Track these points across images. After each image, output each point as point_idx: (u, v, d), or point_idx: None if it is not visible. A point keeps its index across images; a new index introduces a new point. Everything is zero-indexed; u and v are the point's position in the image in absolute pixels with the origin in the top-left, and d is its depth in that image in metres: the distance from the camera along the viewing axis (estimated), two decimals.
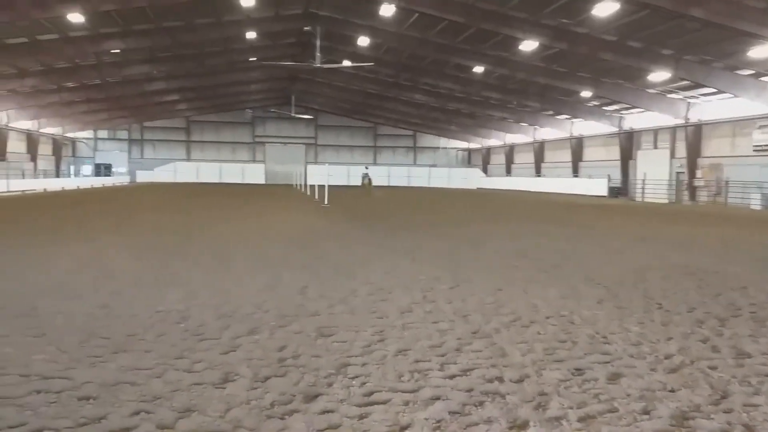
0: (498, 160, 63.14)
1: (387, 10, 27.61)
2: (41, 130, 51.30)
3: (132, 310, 6.53)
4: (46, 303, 6.76)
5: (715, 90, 30.68)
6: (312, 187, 36.46)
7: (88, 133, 63.32)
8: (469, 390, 4.26)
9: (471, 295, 7.59)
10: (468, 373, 4.61)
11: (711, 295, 7.82)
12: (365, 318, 6.35)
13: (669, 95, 34.55)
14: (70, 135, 60.13)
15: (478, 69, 35.67)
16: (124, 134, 65.56)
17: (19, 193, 33.55)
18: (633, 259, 11.20)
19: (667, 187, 36.84)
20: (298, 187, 47.46)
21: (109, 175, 59.09)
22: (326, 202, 26.33)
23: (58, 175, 54.56)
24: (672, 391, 4.31)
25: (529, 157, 55.77)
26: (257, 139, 67.69)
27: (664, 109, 35.40)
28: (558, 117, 47.56)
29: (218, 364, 4.73)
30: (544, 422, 3.73)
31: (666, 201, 35.98)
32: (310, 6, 30.69)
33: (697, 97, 33.69)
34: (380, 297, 7.42)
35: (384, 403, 4.00)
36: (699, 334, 5.86)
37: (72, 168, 60.76)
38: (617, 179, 42.30)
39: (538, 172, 53.95)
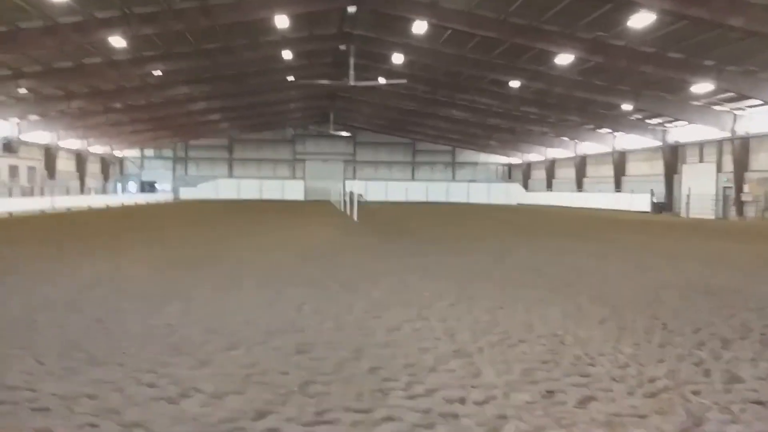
0: (539, 175, 62.16)
1: (419, 28, 27.69)
2: (90, 149, 53.39)
3: (125, 324, 6.65)
4: (45, 316, 6.96)
5: (761, 102, 29.46)
6: (348, 203, 36.51)
7: (135, 152, 65.57)
8: (426, 411, 4.14)
9: (468, 313, 7.42)
10: (432, 394, 4.49)
11: (724, 315, 7.42)
12: (350, 335, 6.28)
13: (714, 107, 33.35)
14: (118, 154, 62.36)
15: (515, 84, 35.28)
16: (169, 152, 67.57)
17: (64, 210, 34.90)
18: (655, 276, 10.77)
19: (713, 203, 35.45)
20: (336, 204, 47.84)
21: (152, 193, 60.87)
22: (356, 218, 26.38)
23: (105, 193, 56.60)
24: (642, 417, 4.08)
25: (570, 172, 54.70)
26: (297, 157, 68.70)
27: (709, 121, 34.18)
28: (599, 131, 46.53)
29: (183, 379, 4.74)
30: None
31: (712, 217, 34.62)
32: (343, 26, 31.08)
33: (744, 109, 32.41)
34: (374, 314, 7.34)
35: (331, 422, 3.92)
36: (695, 357, 5.55)
37: (119, 185, 62.92)
38: (661, 194, 40.98)
39: (579, 187, 52.82)
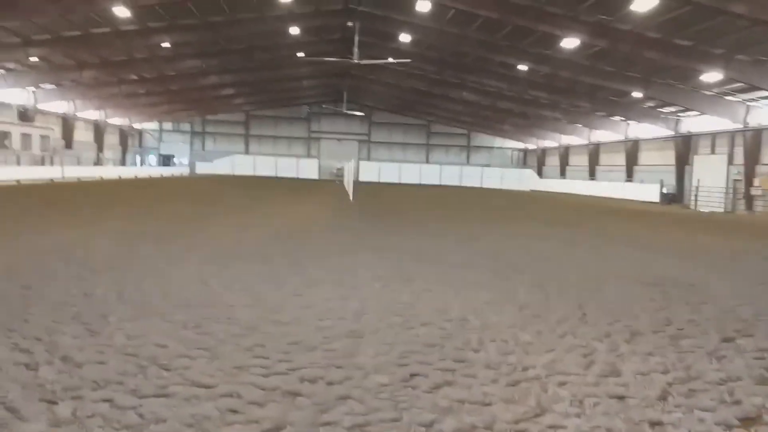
0: (553, 161, 61.34)
1: (423, 6, 27.32)
2: (108, 121, 53.97)
3: (57, 293, 6.74)
4: None
5: None
6: (355, 183, 36.42)
7: (153, 125, 66.13)
8: (273, 389, 4.15)
9: (392, 294, 7.41)
10: (292, 372, 4.50)
11: (653, 309, 7.27)
12: (255, 312, 6.30)
13: (726, 97, 32.41)
14: (137, 126, 62.95)
15: (522, 67, 34.73)
16: (187, 126, 67.98)
17: (74, 180, 35.48)
18: (612, 267, 10.59)
19: (723, 195, 34.65)
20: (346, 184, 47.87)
21: (169, 166, 61.47)
22: (351, 199, 26.39)
23: (123, 164, 57.28)
24: (486, 404, 4.04)
25: (583, 160, 53.85)
26: (312, 135, 68.65)
27: (721, 112, 33.25)
28: (612, 119, 45.62)
29: (64, 346, 4.82)
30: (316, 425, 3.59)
31: (721, 210, 33.87)
32: (349, 2, 30.79)
33: (757, 100, 31.45)
34: (299, 292, 7.35)
35: (167, 396, 3.94)
36: (588, 348, 5.46)
37: (138, 158, 63.62)
38: (672, 185, 40.17)
39: (592, 175, 52.01)
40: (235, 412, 3.79)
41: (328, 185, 46.55)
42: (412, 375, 4.55)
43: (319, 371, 4.54)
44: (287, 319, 6.06)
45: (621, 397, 4.27)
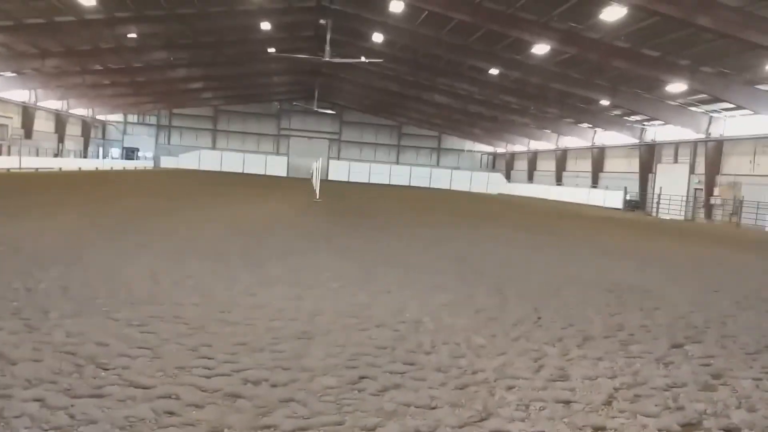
0: (521, 166, 62.10)
1: (396, 6, 27.31)
2: (71, 111, 52.59)
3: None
4: None
5: (736, 105, 29.36)
6: (325, 182, 36.13)
7: (118, 117, 64.72)
8: (216, 390, 4.01)
9: (349, 296, 7.30)
10: (236, 373, 4.36)
11: (608, 313, 7.34)
12: (204, 311, 6.13)
13: (690, 108, 33.26)
14: (101, 117, 61.52)
15: (494, 71, 35.05)
16: (153, 119, 66.75)
17: (31, 170, 34.47)
18: (572, 271, 10.69)
19: (684, 204, 35.50)
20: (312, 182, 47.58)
21: (133, 159, 60.24)
22: (317, 197, 26.20)
23: (85, 156, 55.88)
24: (432, 408, 3.98)
25: (551, 165, 54.65)
26: (282, 132, 68.12)
27: (684, 122, 34.10)
28: (580, 125, 46.42)
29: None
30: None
31: (682, 218, 34.70)
32: None
33: (719, 112, 32.33)
34: (252, 291, 7.19)
35: (102, 396, 3.78)
36: (540, 352, 5.45)
37: (101, 150, 62.21)
38: (635, 192, 41.02)
39: (559, 181, 52.80)
40: (171, 414, 3.65)
41: (296, 183, 46.21)
42: (361, 377, 4.46)
43: (265, 373, 4.41)
44: (237, 318, 5.91)
45: (567, 402, 4.26)
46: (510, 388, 4.47)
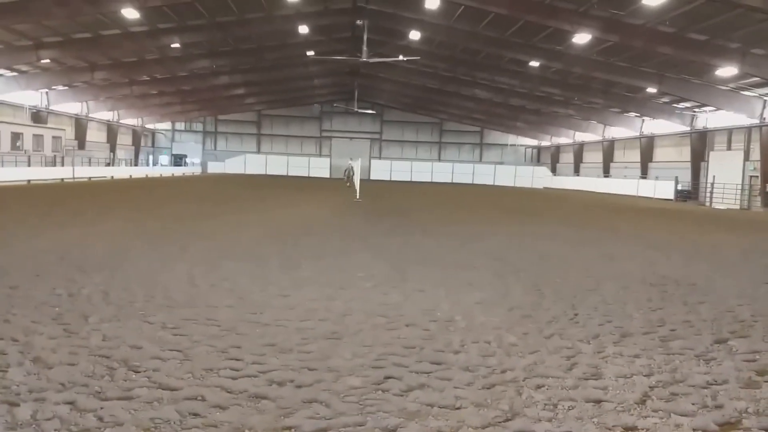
0: (567, 158, 60.74)
1: (432, 3, 27.11)
2: (121, 121, 54.41)
3: (43, 294, 6.74)
4: None
5: None
6: (366, 182, 36.20)
7: (166, 125, 66.60)
8: (242, 391, 4.06)
9: (381, 295, 7.29)
10: (262, 375, 4.41)
11: (650, 309, 7.09)
12: (238, 313, 6.22)
13: (742, 92, 31.81)
14: (150, 126, 63.42)
15: (534, 63, 34.40)
16: (199, 126, 68.39)
17: (85, 179, 35.85)
18: (614, 266, 10.38)
19: (740, 192, 34.02)
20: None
21: (181, 166, 61.83)
22: (357, 197, 26.29)
23: (136, 164, 57.69)
24: (456, 408, 3.92)
25: (598, 156, 53.27)
26: (324, 134, 68.69)
27: (737, 107, 32.65)
28: (627, 115, 45.05)
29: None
30: None
31: (737, 207, 33.27)
32: (357, 0, 30.70)
33: None
34: (286, 293, 7.26)
35: (130, 399, 3.88)
36: (573, 350, 5.31)
37: (150, 158, 64.09)
38: (687, 182, 39.56)
39: (606, 173, 51.42)
40: (196, 415, 3.71)
41: (338, 184, 46.48)
42: (386, 377, 4.44)
43: (291, 374, 4.44)
44: (268, 319, 5.97)
45: (598, 401, 4.13)
46: (539, 387, 4.36)
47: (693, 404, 4.10)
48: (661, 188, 40.52)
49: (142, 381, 4.20)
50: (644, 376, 4.65)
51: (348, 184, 30.08)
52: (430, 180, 63.27)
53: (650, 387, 4.41)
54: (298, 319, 6.04)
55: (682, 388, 4.40)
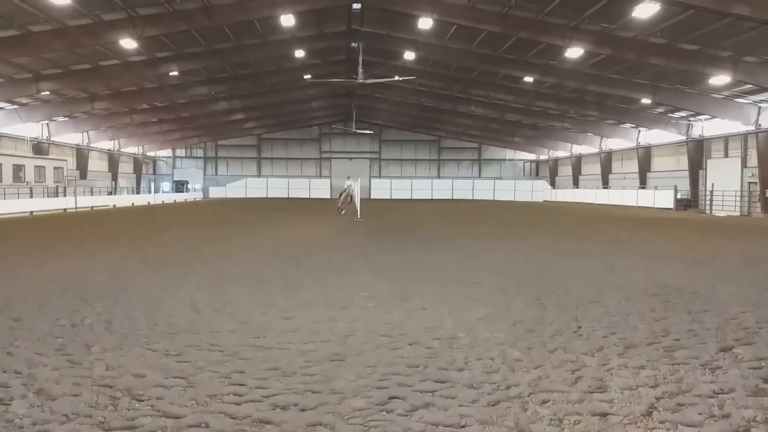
0: (565, 171, 60.95)
1: (425, 24, 27.44)
2: (122, 150, 54.78)
3: (45, 325, 6.74)
4: None
5: None
6: (366, 201, 36.24)
7: (167, 152, 67.02)
8: (245, 416, 4.04)
9: (383, 315, 7.28)
10: (265, 399, 4.39)
11: (654, 319, 7.07)
12: (239, 336, 6.21)
13: (737, 99, 32.03)
14: (151, 154, 63.81)
15: (528, 78, 34.69)
16: (200, 152, 68.86)
17: (87, 209, 35.96)
18: (617, 277, 10.36)
19: (739, 199, 34.06)
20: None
21: (183, 192, 62.06)
22: (358, 217, 26.34)
23: (138, 192, 57.92)
24: (462, 426, 3.90)
25: (596, 168, 53.46)
26: (324, 155, 69.07)
27: (732, 115, 32.84)
28: (623, 126, 45.31)
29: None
30: None
31: (737, 213, 33.29)
32: (352, 23, 31.04)
33: None
34: (288, 314, 7.26)
35: (134, 429, 3.86)
36: (578, 363, 5.29)
37: (152, 185, 64.38)
38: (686, 190, 39.64)
39: (605, 184, 51.56)
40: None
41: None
42: (390, 398, 4.42)
43: (295, 397, 4.43)
44: (271, 343, 5.96)
45: (604, 414, 4.11)
46: (544, 402, 4.35)
47: (700, 414, 4.08)
48: (660, 198, 40.60)
49: (145, 410, 4.18)
50: (650, 387, 4.63)
51: (342, 211, 29.06)
52: (430, 197, 63.50)
53: (656, 398, 4.39)
54: (300, 341, 6.03)
55: (688, 398, 4.38)
